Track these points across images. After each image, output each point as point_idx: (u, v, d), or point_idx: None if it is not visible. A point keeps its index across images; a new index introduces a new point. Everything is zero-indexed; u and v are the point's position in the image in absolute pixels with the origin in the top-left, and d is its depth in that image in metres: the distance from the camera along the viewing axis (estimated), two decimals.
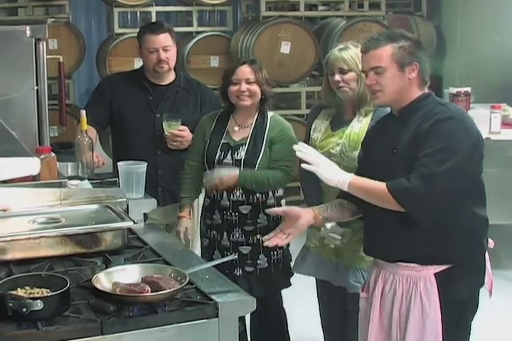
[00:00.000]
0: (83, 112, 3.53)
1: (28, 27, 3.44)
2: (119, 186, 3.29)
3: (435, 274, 2.66)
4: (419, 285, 2.67)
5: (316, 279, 3.54)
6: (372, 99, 2.79)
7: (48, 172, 3.22)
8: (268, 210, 3.01)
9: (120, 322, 2.15)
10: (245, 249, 3.45)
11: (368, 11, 7.52)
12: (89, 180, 3.34)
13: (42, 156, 3.23)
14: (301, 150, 2.69)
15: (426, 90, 2.73)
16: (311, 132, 3.38)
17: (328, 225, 3.19)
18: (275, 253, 3.49)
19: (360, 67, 3.16)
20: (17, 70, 3.46)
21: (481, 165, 2.68)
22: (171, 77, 3.96)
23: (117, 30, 7.25)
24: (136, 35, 4.03)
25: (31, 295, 2.18)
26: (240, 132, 3.47)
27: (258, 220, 3.45)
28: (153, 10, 7.32)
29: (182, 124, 3.79)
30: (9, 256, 2.57)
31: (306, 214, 2.80)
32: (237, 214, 3.43)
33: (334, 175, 2.67)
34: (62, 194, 3.01)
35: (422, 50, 2.71)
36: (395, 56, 2.63)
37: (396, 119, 2.74)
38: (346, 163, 3.15)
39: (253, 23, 7.33)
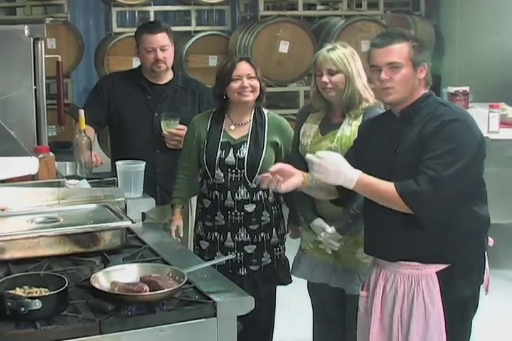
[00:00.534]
0: (81, 112, 3.53)
1: (26, 26, 3.44)
2: (117, 185, 3.28)
3: (437, 273, 2.66)
4: (421, 283, 2.67)
5: (308, 284, 3.51)
6: (381, 97, 2.72)
7: (46, 172, 3.22)
8: (263, 175, 2.78)
9: (118, 322, 2.15)
10: (250, 248, 3.45)
11: (366, 11, 7.53)
12: (87, 179, 3.33)
13: (40, 156, 3.22)
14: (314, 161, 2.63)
15: (427, 90, 2.73)
16: (300, 137, 3.33)
17: (329, 230, 3.19)
18: (277, 249, 3.51)
19: (349, 68, 3.15)
20: (15, 70, 3.46)
21: (483, 164, 2.68)
22: (168, 76, 3.96)
23: (116, 29, 7.25)
24: (134, 34, 4.02)
25: (30, 295, 2.18)
26: (236, 130, 3.46)
27: (262, 218, 3.45)
28: (152, 9, 7.32)
29: (180, 123, 3.79)
30: (8, 255, 2.57)
31: (298, 176, 2.75)
32: (242, 213, 3.43)
33: (340, 175, 2.60)
34: (60, 193, 3.00)
35: (428, 52, 2.71)
36: (410, 54, 2.62)
37: (397, 119, 2.73)
38: None
39: (251, 22, 7.33)
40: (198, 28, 7.46)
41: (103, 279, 2.32)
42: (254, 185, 3.40)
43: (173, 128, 3.79)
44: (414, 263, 2.68)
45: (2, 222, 2.79)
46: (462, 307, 2.70)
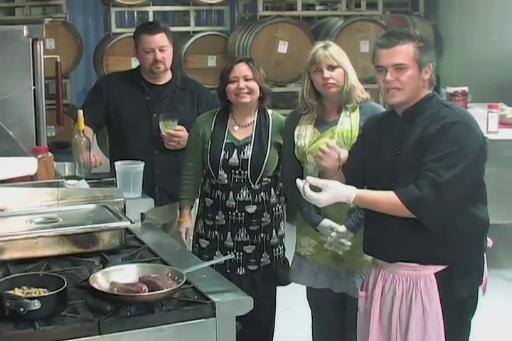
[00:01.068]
0: (80, 112, 3.52)
1: (25, 27, 3.44)
2: (116, 186, 3.28)
3: (435, 274, 2.66)
4: (419, 284, 2.67)
5: (307, 290, 3.49)
6: (386, 98, 2.69)
7: (45, 172, 3.22)
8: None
9: (117, 322, 2.15)
10: (249, 248, 3.46)
11: (365, 11, 7.52)
12: (86, 179, 3.33)
13: (39, 156, 3.22)
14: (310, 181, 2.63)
15: (430, 91, 2.72)
16: (295, 140, 3.28)
17: (340, 229, 3.14)
18: (277, 249, 3.51)
19: (345, 63, 3.16)
20: (14, 70, 3.46)
21: (484, 165, 2.68)
22: (167, 76, 3.96)
23: (114, 29, 7.26)
24: (133, 34, 4.02)
25: (29, 295, 2.18)
26: (240, 131, 3.46)
27: (262, 219, 3.46)
28: (151, 9, 7.33)
29: (179, 124, 3.78)
30: (7, 255, 2.57)
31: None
32: (243, 214, 3.43)
33: (337, 198, 2.63)
34: (59, 194, 3.00)
35: (433, 52, 2.70)
36: (416, 55, 2.61)
37: (400, 119, 2.72)
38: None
39: (250, 22, 7.33)
40: (197, 29, 7.46)
41: (102, 279, 2.32)
42: (257, 187, 3.41)
43: (171, 129, 3.78)
44: (412, 264, 2.68)
45: (1, 222, 2.78)
46: (461, 308, 2.69)
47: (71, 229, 2.66)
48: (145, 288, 2.23)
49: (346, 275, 3.27)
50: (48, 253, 2.61)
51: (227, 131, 3.46)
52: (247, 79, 3.37)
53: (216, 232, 3.49)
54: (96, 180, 3.37)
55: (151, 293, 2.21)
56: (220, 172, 3.42)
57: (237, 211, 3.43)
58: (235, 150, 3.41)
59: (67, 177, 3.32)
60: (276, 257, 3.51)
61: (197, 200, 3.68)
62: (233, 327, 2.28)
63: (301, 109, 3.31)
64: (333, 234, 3.14)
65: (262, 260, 3.47)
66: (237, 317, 2.29)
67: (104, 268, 2.47)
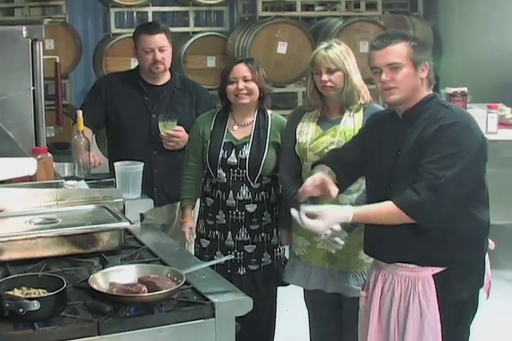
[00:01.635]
0: (80, 113, 3.53)
1: (24, 27, 3.43)
2: (115, 186, 3.28)
3: (433, 275, 2.65)
4: (417, 286, 2.66)
5: (304, 291, 3.48)
6: (384, 97, 2.70)
7: (44, 173, 3.22)
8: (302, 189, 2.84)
9: (117, 323, 2.15)
10: (250, 248, 3.46)
11: (364, 11, 7.52)
12: (85, 180, 3.33)
13: (38, 156, 3.22)
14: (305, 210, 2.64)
15: (431, 91, 2.73)
16: (297, 136, 3.30)
17: (335, 227, 3.13)
18: (278, 249, 3.52)
19: (346, 65, 3.16)
20: (14, 70, 3.45)
21: (485, 168, 2.67)
22: (166, 77, 3.96)
23: (114, 30, 7.25)
24: (132, 35, 4.02)
25: (28, 296, 2.18)
26: (239, 131, 3.47)
27: (263, 218, 3.46)
28: (150, 10, 7.33)
29: (178, 124, 3.79)
30: (6, 256, 2.57)
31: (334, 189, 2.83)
32: (243, 213, 3.43)
33: (336, 221, 2.68)
34: (58, 194, 3.00)
35: (429, 51, 2.71)
36: (410, 54, 2.62)
37: (401, 120, 2.72)
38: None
39: (250, 23, 7.33)
40: (196, 29, 7.45)
41: (101, 280, 2.32)
42: (257, 185, 3.42)
43: (170, 130, 3.78)
44: (410, 266, 2.67)
45: (0, 222, 2.79)
46: (460, 310, 2.68)
47: (70, 230, 2.66)
48: (144, 288, 2.23)
49: (340, 274, 3.26)
50: (47, 254, 2.61)
51: (226, 131, 3.47)
52: (246, 80, 3.38)
53: (217, 232, 3.49)
54: (95, 181, 3.37)
55: (150, 294, 2.21)
56: (218, 171, 3.42)
57: (237, 210, 3.44)
58: (234, 150, 3.42)
59: (67, 178, 3.32)
60: (277, 257, 3.52)
61: (198, 200, 3.68)
62: (232, 327, 2.28)
63: (305, 106, 3.34)
64: (328, 231, 3.14)
65: (262, 260, 3.47)
66: (236, 317, 2.29)
67: (103, 268, 2.47)
